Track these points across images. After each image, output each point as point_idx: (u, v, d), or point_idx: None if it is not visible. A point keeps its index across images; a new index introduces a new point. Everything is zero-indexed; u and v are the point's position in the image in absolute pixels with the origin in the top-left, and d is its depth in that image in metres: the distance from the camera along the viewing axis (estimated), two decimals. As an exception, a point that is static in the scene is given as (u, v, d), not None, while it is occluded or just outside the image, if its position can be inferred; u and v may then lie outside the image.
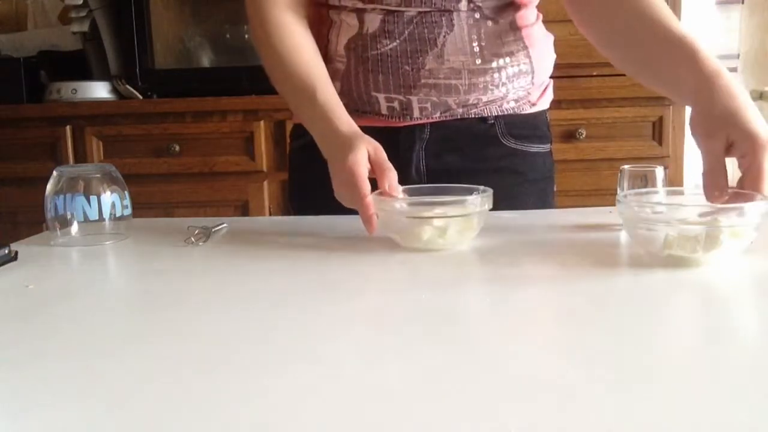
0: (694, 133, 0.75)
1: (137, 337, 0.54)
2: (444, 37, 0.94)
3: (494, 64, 0.97)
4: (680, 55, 0.79)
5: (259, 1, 0.96)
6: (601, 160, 2.04)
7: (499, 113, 1.01)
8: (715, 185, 0.71)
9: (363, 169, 0.81)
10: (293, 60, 0.93)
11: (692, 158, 2.31)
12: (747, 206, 0.67)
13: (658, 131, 2.05)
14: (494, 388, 0.42)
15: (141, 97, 2.15)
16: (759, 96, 2.25)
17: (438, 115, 0.99)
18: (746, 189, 0.70)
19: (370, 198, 0.80)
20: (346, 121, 0.88)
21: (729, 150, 0.72)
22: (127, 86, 2.14)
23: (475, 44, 0.95)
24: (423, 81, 0.95)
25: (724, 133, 0.71)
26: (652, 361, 0.46)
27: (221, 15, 2.23)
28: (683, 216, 0.69)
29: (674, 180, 2.05)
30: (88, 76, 2.25)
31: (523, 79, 1.00)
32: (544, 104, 1.07)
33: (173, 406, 0.41)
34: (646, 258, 0.72)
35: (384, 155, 0.83)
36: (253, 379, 0.44)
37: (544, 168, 1.08)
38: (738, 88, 0.74)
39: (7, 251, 0.77)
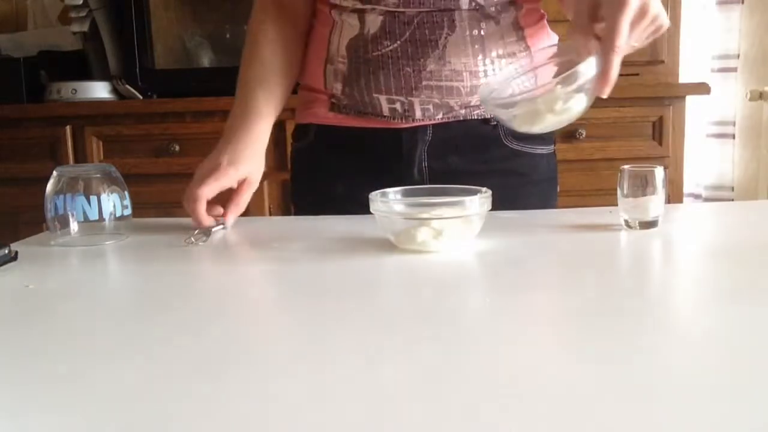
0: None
1: (137, 338, 0.54)
2: (445, 38, 0.93)
3: (495, 66, 0.96)
4: None
5: (257, 8, 1.02)
6: (601, 160, 2.04)
7: None
8: (578, 30, 0.76)
9: (202, 204, 0.89)
10: (259, 55, 1.00)
11: (692, 158, 2.31)
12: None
13: (658, 131, 2.05)
14: (494, 388, 0.42)
15: (141, 97, 2.15)
16: (759, 96, 2.25)
17: (440, 116, 0.98)
18: (602, 41, 0.73)
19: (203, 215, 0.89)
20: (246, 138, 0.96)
21: (598, 11, 0.75)
22: (127, 86, 2.14)
23: (477, 45, 0.95)
24: (425, 83, 0.95)
25: None
26: (652, 361, 0.46)
27: (221, 15, 2.23)
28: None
29: (674, 180, 2.05)
30: (88, 76, 2.25)
31: None
32: None
33: (173, 406, 0.41)
34: (647, 258, 0.72)
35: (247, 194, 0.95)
36: (252, 379, 0.44)
37: (547, 169, 1.07)
38: None
39: (7, 251, 0.77)
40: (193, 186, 0.90)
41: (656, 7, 0.73)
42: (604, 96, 0.74)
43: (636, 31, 0.73)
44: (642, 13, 0.72)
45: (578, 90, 0.75)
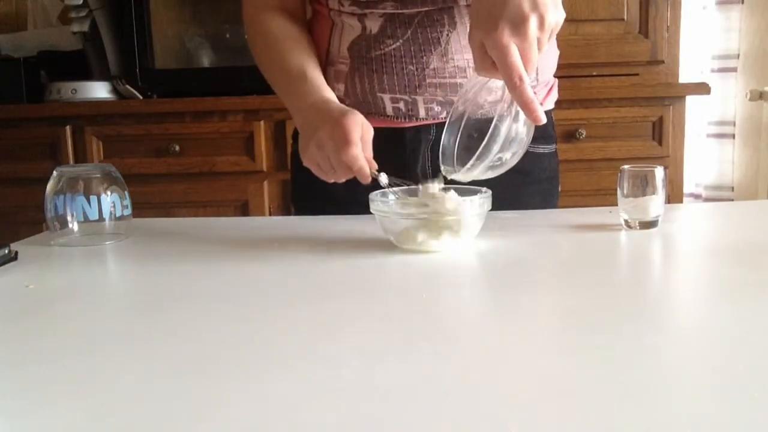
0: None
1: (137, 337, 0.54)
2: (447, 35, 0.93)
3: None
4: None
5: (254, 2, 1.00)
6: (601, 160, 2.04)
7: None
8: (480, 69, 0.74)
9: (358, 127, 0.80)
10: (284, 47, 0.95)
11: (692, 158, 2.31)
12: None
13: (658, 131, 2.05)
14: (494, 388, 0.42)
15: (141, 97, 2.15)
16: (759, 96, 2.25)
17: (444, 115, 0.98)
18: (504, 81, 0.71)
19: (359, 149, 0.79)
20: (336, 101, 0.89)
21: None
22: (127, 86, 2.14)
23: None
24: (428, 80, 0.95)
25: (476, 34, 0.72)
26: (652, 361, 0.46)
27: (221, 15, 2.23)
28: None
29: (674, 180, 2.05)
30: (88, 76, 2.25)
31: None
32: (549, 104, 1.06)
33: (173, 406, 0.41)
34: (647, 258, 0.72)
35: (371, 136, 0.83)
36: (252, 379, 0.44)
37: (549, 168, 1.07)
38: None
39: (7, 251, 0.77)
40: (343, 149, 0.79)
41: (533, 24, 0.69)
42: (541, 122, 0.72)
43: (530, 52, 0.70)
44: (523, 36, 0.69)
45: (509, 139, 0.75)
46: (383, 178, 0.83)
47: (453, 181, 0.85)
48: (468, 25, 0.94)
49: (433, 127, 0.99)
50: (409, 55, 0.94)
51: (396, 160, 1.00)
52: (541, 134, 1.05)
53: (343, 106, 0.87)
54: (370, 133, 0.83)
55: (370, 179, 0.81)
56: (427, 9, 0.93)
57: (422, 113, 0.98)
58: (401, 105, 0.97)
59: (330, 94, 0.91)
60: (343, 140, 0.80)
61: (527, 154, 1.04)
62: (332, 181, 0.85)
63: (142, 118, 2.08)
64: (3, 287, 0.69)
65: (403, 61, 0.94)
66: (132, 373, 0.46)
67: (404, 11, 0.93)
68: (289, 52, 0.95)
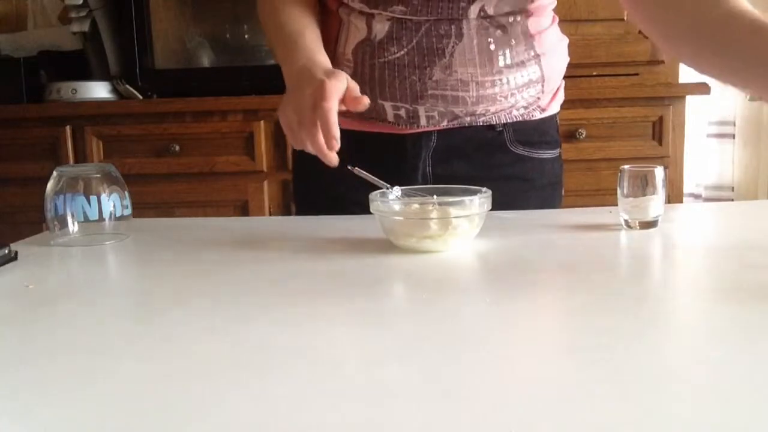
0: None
1: (137, 338, 0.54)
2: (452, 47, 0.92)
3: (503, 76, 0.95)
4: None
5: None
6: (601, 160, 2.04)
7: (508, 120, 0.99)
8: None
9: (340, 87, 0.78)
10: (288, 13, 0.93)
11: (692, 158, 2.31)
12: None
13: (658, 131, 2.05)
14: (494, 388, 0.42)
15: (141, 97, 2.15)
16: (759, 96, 2.25)
17: (445, 123, 0.98)
18: None
19: (335, 116, 0.76)
20: (326, 62, 0.86)
21: None
22: (127, 86, 2.14)
23: (484, 55, 0.93)
24: (430, 92, 0.94)
25: None
26: (652, 362, 0.46)
27: (221, 15, 2.23)
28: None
29: (674, 180, 2.05)
30: (88, 76, 2.24)
31: (533, 88, 0.99)
32: (554, 108, 1.05)
33: (173, 406, 0.41)
34: (647, 258, 0.72)
35: (357, 87, 0.82)
36: (252, 379, 0.44)
37: (552, 174, 1.06)
38: None
39: (7, 251, 0.77)
40: (318, 99, 0.77)
41: None
42: None
43: None
44: None
45: None
46: (396, 191, 0.82)
47: (453, 184, 0.85)
48: (475, 38, 0.92)
49: (434, 133, 0.99)
50: (413, 64, 0.93)
51: (396, 165, 0.99)
52: (544, 139, 1.04)
53: (328, 66, 0.84)
54: (356, 89, 0.82)
55: (333, 156, 0.78)
56: (435, 18, 0.92)
57: (423, 121, 0.97)
58: (402, 112, 0.97)
59: (322, 57, 0.88)
60: (319, 98, 0.77)
61: (531, 160, 1.03)
62: (300, 148, 0.82)
63: (142, 118, 2.08)
64: (3, 287, 0.69)
65: (406, 71, 0.93)
66: (132, 372, 0.46)
67: (412, 18, 0.92)
68: (291, 18, 0.93)
